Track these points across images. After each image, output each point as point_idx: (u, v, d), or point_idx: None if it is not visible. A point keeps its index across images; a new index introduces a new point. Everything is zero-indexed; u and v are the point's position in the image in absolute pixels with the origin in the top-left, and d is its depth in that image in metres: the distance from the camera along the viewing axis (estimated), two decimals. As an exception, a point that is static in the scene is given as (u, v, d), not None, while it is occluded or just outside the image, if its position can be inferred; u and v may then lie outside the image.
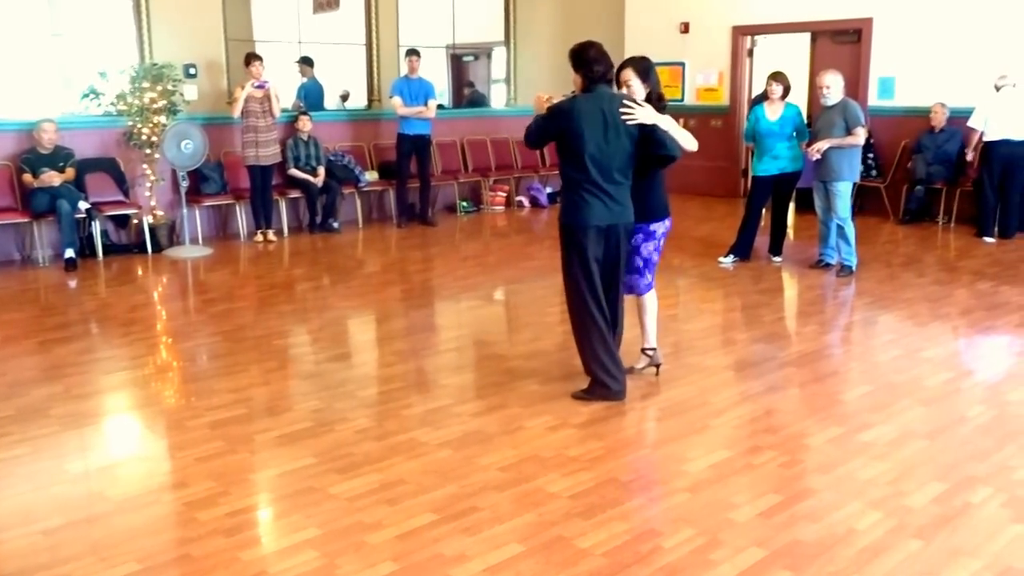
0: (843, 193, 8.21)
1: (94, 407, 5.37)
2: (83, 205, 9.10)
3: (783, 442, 4.65)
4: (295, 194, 10.91)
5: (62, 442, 4.76)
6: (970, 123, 10.24)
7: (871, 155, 11.24)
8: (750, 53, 13.38)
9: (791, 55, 13.06)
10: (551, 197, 12.82)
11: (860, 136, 8.18)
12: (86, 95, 9.61)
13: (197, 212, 10.20)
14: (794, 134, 8.58)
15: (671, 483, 4.18)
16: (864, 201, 11.45)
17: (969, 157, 10.48)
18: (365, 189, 11.42)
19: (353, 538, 3.66)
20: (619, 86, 5.32)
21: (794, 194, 9.19)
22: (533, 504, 3.94)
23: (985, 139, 10.17)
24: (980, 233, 10.30)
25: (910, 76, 11.62)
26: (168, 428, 4.96)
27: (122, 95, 9.61)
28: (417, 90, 10.95)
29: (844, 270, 8.35)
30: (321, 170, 10.83)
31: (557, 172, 10.62)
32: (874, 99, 11.83)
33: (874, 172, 11.33)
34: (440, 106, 11.77)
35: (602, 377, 5.18)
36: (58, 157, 9.24)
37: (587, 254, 5.08)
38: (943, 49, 11.26)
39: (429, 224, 11.35)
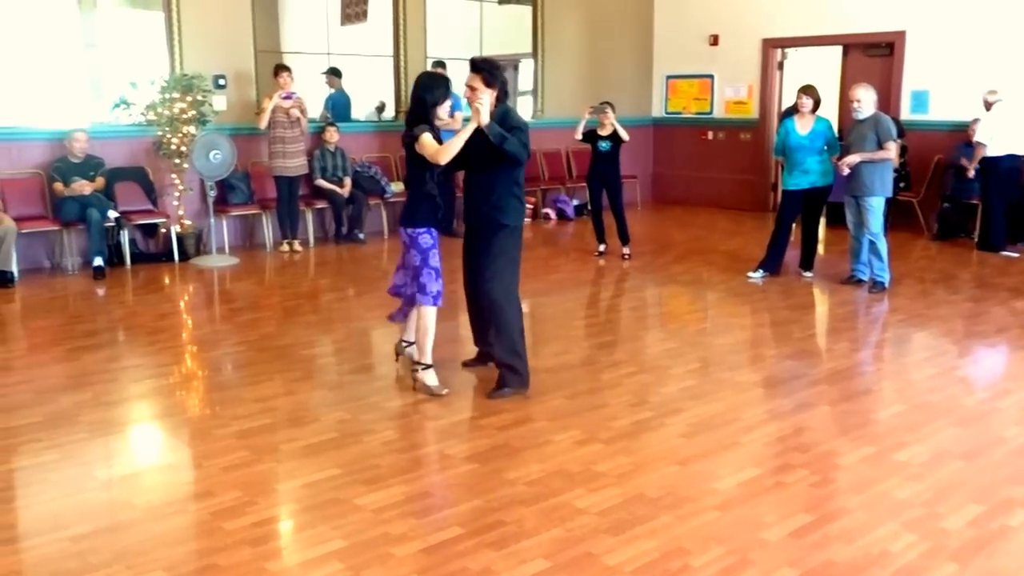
0: (875, 208, 8.11)
1: (122, 415, 5.38)
2: (112, 214, 9.14)
3: (814, 461, 4.58)
4: (321, 204, 10.91)
5: (90, 449, 4.78)
6: (977, 138, 10.19)
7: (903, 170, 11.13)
8: (780, 66, 13.33)
9: (822, 68, 12.98)
10: (578, 209, 12.77)
11: (891, 150, 8.09)
12: (117, 105, 9.67)
13: (224, 222, 10.23)
14: (825, 148, 8.50)
15: (700, 500, 4.11)
16: (897, 216, 11.31)
17: (971, 174, 10.41)
18: (391, 200, 11.39)
19: (379, 550, 3.64)
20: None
21: (825, 208, 9.09)
22: (560, 519, 3.90)
23: (988, 154, 10.12)
24: (994, 248, 10.25)
25: (945, 90, 11.52)
26: (194, 437, 4.96)
27: (152, 105, 9.65)
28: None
29: (876, 286, 8.25)
30: (347, 181, 10.83)
31: (584, 184, 10.64)
32: (907, 113, 11.74)
33: (903, 185, 11.18)
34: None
35: (518, 366, 5.50)
36: (88, 166, 9.28)
37: None
38: (978, 62, 11.14)
39: (454, 236, 11.23)
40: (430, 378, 5.55)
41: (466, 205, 5.70)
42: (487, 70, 5.33)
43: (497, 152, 5.24)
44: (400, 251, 5.70)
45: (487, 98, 5.23)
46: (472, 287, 5.76)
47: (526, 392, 5.48)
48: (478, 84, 5.30)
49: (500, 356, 5.51)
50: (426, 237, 5.44)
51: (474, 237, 5.65)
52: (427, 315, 5.48)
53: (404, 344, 5.96)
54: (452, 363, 6.07)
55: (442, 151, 5.21)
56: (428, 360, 5.55)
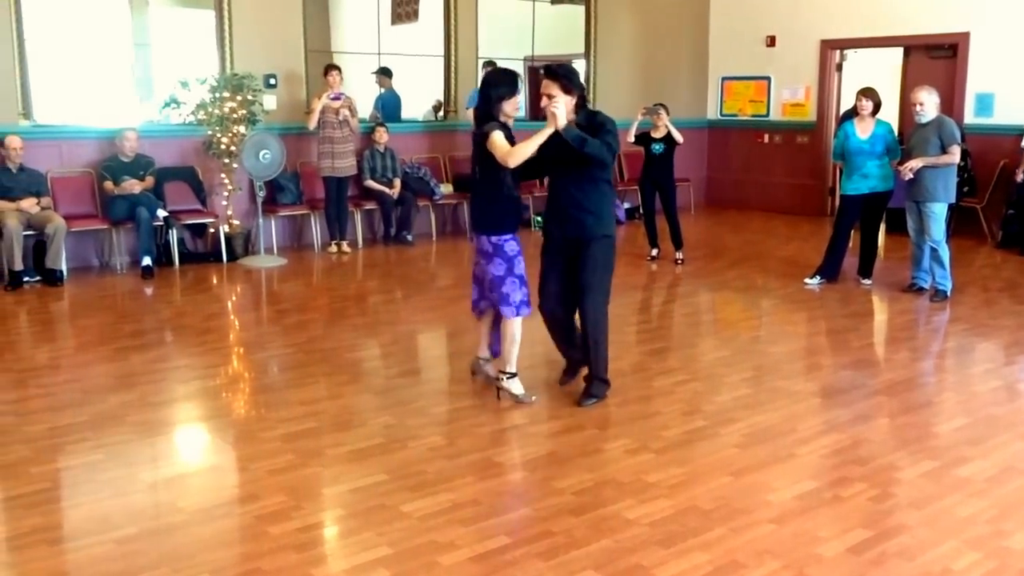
0: (937, 215, 7.90)
1: (168, 416, 5.40)
2: (161, 213, 9.16)
3: (873, 474, 4.45)
4: (370, 206, 10.88)
5: (136, 450, 4.79)
6: None
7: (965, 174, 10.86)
8: (839, 68, 13.07)
9: (882, 70, 12.73)
10: (629, 213, 12.63)
11: (956, 155, 7.88)
12: (167, 104, 9.69)
13: (272, 222, 10.24)
14: (885, 152, 8.30)
15: (755, 513, 4.01)
16: (959, 223, 11.03)
17: (1020, 178, 10.22)
18: (440, 202, 11.35)
19: (425, 558, 3.60)
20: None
21: (885, 214, 8.89)
22: (610, 530, 3.83)
23: None
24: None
25: (1010, 92, 11.20)
26: (240, 439, 4.94)
27: (202, 104, 9.64)
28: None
29: (938, 295, 8.03)
30: (397, 182, 10.79)
31: (636, 187, 10.49)
32: (971, 116, 11.44)
33: (966, 190, 10.89)
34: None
35: (608, 378, 5.45)
36: (138, 165, 9.30)
37: None
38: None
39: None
40: (516, 386, 5.37)
41: (554, 212, 5.36)
42: (565, 76, 5.09)
43: (579, 156, 5.01)
44: (474, 262, 5.48)
45: (563, 101, 4.96)
46: (557, 300, 5.45)
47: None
48: (555, 91, 5.03)
49: (596, 371, 5.38)
50: (512, 244, 5.23)
51: (569, 248, 5.33)
52: (512, 325, 5.30)
53: (482, 361, 5.69)
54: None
55: (513, 153, 4.94)
56: (513, 368, 5.37)
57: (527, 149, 4.92)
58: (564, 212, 5.28)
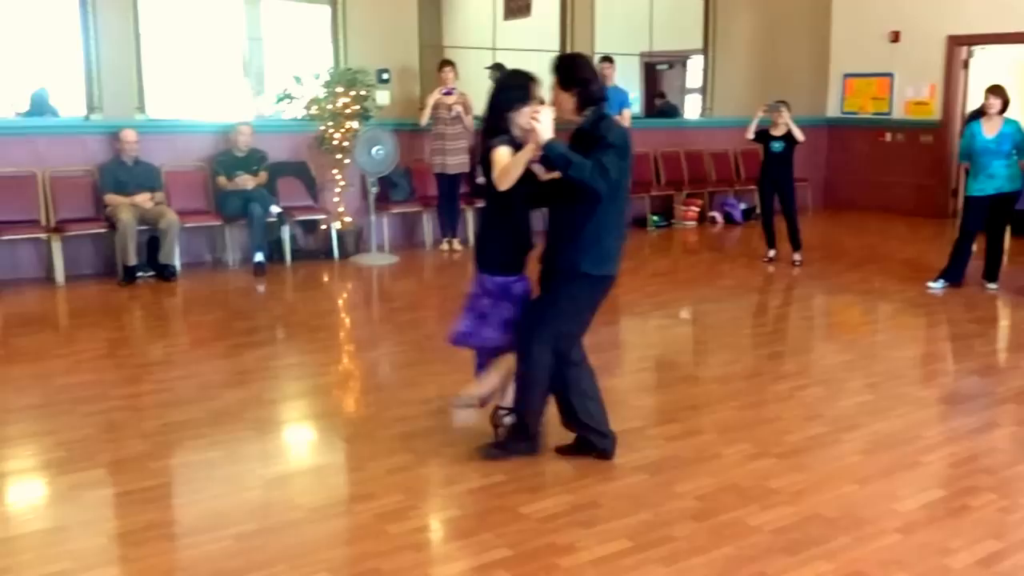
0: (1068, 217, 7.63)
1: (284, 413, 5.47)
2: (274, 209, 9.11)
3: (1003, 484, 4.32)
4: (482, 203, 10.81)
5: (252, 447, 4.82)
6: None
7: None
8: (966, 64, 12.66)
9: (1012, 67, 12.28)
10: (746, 213, 12.45)
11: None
12: (281, 99, 9.71)
13: (384, 219, 10.18)
14: (1013, 152, 8.03)
15: (880, 522, 3.91)
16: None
17: None
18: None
19: (545, 560, 3.58)
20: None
21: (1012, 216, 8.59)
22: (732, 536, 3.78)
23: None
24: None
25: None
26: (356, 437, 4.94)
27: (316, 99, 9.61)
28: (611, 98, 10.73)
29: (1067, 300, 7.75)
30: (509, 180, 10.72)
31: (754, 187, 10.32)
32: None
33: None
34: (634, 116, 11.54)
35: (533, 426, 4.57)
36: (251, 160, 9.28)
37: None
38: None
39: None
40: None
41: (544, 244, 4.46)
42: (559, 68, 4.31)
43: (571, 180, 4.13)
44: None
45: (548, 111, 4.10)
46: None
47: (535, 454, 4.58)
48: (554, 90, 4.32)
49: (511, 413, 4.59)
50: (519, 284, 4.50)
51: (544, 284, 4.46)
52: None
53: (503, 413, 4.77)
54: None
55: (501, 174, 4.15)
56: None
57: (515, 170, 4.11)
58: (549, 243, 4.41)
